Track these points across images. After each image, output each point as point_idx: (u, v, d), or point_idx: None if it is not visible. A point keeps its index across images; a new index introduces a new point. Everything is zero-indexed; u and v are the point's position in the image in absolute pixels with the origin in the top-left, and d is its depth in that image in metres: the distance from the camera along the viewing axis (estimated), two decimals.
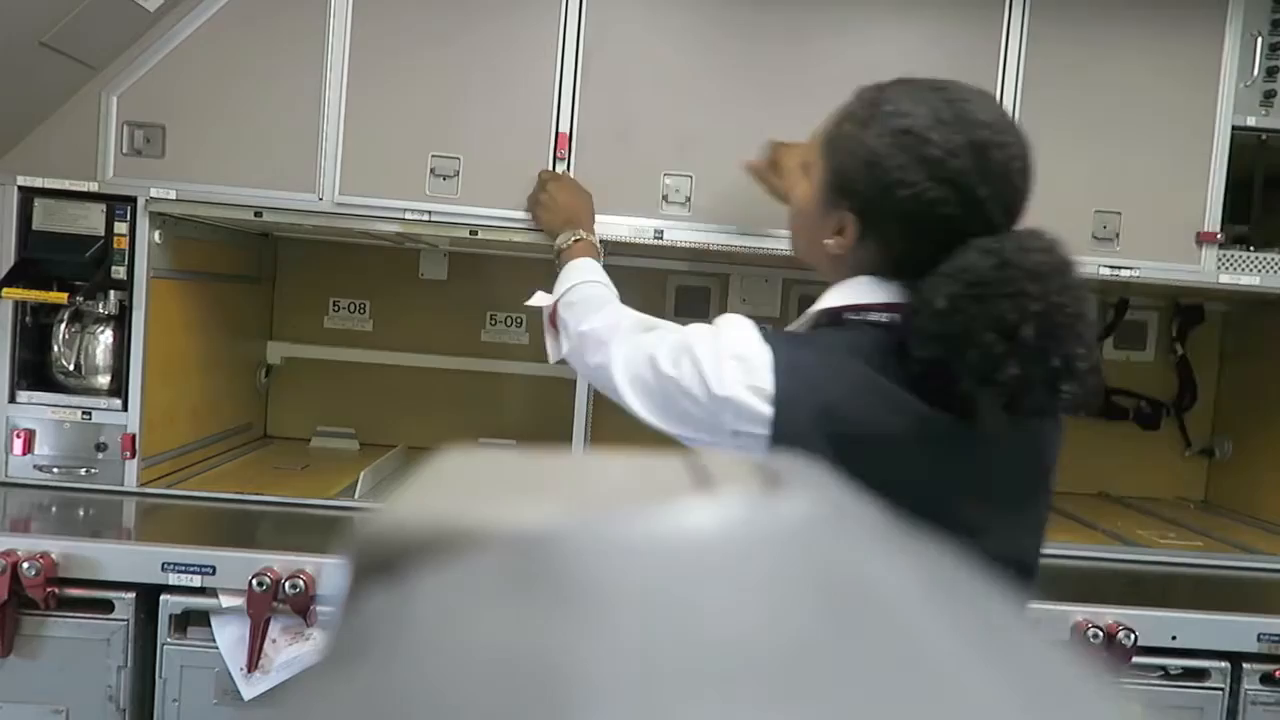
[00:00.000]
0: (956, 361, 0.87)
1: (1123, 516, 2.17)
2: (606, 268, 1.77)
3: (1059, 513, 2.16)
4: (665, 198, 1.74)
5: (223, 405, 2.14)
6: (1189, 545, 1.93)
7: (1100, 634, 1.44)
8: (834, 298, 1.00)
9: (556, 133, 1.75)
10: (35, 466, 1.76)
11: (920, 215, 0.93)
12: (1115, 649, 1.43)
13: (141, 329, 1.75)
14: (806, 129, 1.09)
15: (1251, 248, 1.87)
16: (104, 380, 1.78)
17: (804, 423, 0.90)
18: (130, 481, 1.76)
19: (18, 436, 1.74)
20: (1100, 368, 0.91)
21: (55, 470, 1.76)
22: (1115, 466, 2.45)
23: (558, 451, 0.23)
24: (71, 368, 1.76)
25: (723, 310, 2.30)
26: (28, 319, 1.77)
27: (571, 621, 0.14)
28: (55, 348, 1.76)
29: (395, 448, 2.24)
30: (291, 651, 1.44)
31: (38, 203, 1.73)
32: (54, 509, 1.68)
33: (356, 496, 1.83)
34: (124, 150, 1.73)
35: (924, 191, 0.92)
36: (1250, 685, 1.50)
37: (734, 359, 0.93)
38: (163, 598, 1.45)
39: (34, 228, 1.73)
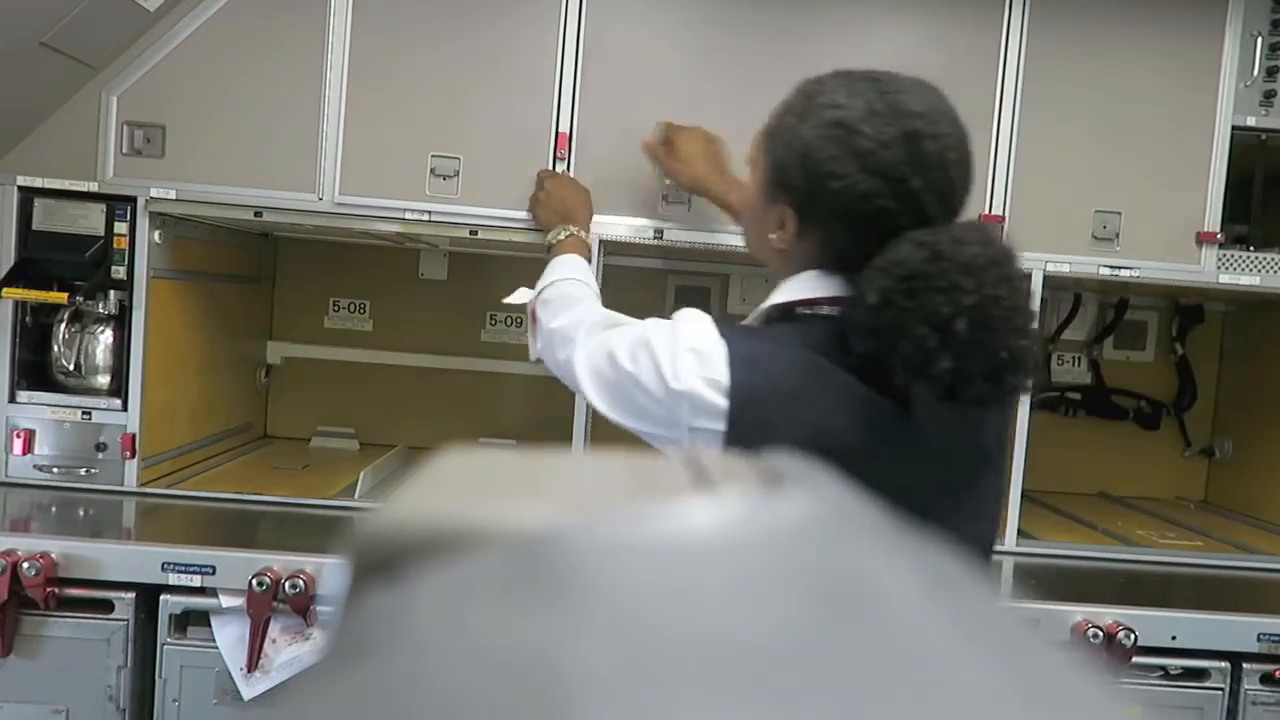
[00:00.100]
0: (891, 355, 0.87)
1: (1123, 516, 2.17)
2: (606, 268, 1.78)
3: (1059, 512, 2.16)
4: (665, 198, 1.75)
5: (222, 405, 2.14)
6: (1189, 545, 1.93)
7: (1100, 634, 1.44)
8: (783, 293, 1.00)
9: (556, 133, 1.75)
10: (35, 466, 1.76)
11: (854, 207, 0.92)
12: (1115, 649, 1.43)
13: (141, 329, 1.75)
14: None
15: (1251, 248, 1.87)
16: (104, 380, 1.78)
17: (760, 415, 0.90)
18: (130, 481, 1.76)
19: (18, 436, 1.74)
20: (1037, 359, 0.90)
21: (55, 470, 1.76)
22: (1115, 466, 2.45)
23: (558, 451, 0.23)
24: (71, 368, 1.76)
25: (723, 310, 2.31)
26: (28, 319, 1.77)
27: (571, 621, 0.14)
28: (55, 348, 1.76)
29: (395, 448, 2.24)
30: (291, 651, 1.44)
31: (38, 203, 1.73)
32: (54, 509, 1.68)
33: (356, 496, 1.83)
34: (124, 150, 1.73)
35: (856, 183, 0.91)
36: (1250, 685, 1.50)
37: (690, 352, 0.93)
38: (163, 598, 1.45)
39: (34, 228, 1.73)
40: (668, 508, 0.17)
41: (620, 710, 0.13)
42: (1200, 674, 1.51)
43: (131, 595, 1.44)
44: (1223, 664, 1.50)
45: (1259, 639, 1.49)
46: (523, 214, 1.73)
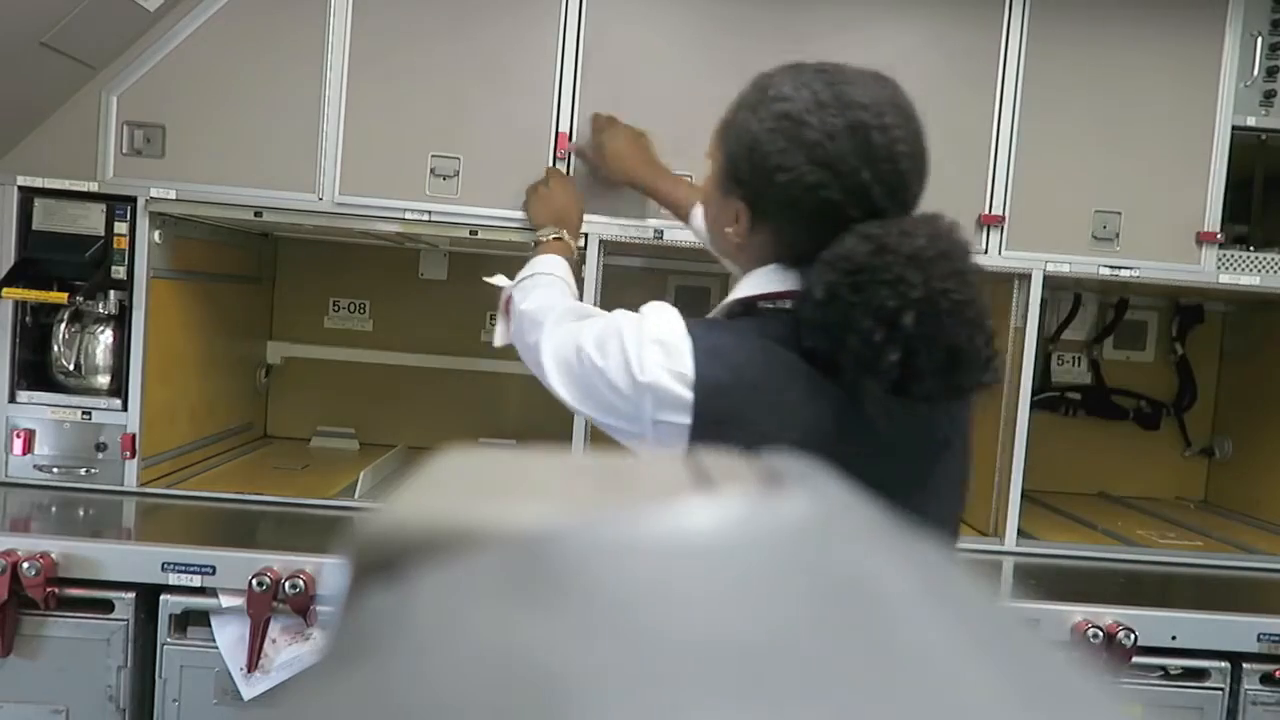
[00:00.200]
0: (840, 350, 0.86)
1: (1123, 516, 2.17)
2: (606, 267, 1.78)
3: (1059, 512, 2.16)
4: None
5: (222, 405, 2.14)
6: (1189, 545, 1.94)
7: (1100, 634, 1.44)
8: (745, 288, 1.00)
9: (556, 133, 1.75)
10: (35, 466, 1.76)
11: (802, 200, 0.92)
12: (1115, 649, 1.43)
13: (141, 329, 1.75)
14: None
15: (1251, 248, 1.87)
16: (104, 380, 1.78)
17: (725, 408, 0.90)
18: (130, 481, 1.76)
19: (18, 436, 1.74)
20: (991, 354, 0.89)
21: (55, 470, 1.76)
22: (1115, 466, 2.45)
23: (558, 451, 0.23)
24: (71, 368, 1.76)
25: None
26: (28, 319, 1.77)
27: (571, 622, 0.14)
28: (55, 348, 1.76)
29: (395, 448, 2.24)
30: (291, 651, 1.44)
31: (38, 203, 1.73)
32: (54, 509, 1.68)
33: (356, 496, 1.83)
34: (124, 150, 1.73)
35: (803, 175, 0.90)
36: (1250, 685, 1.50)
37: (656, 343, 0.92)
38: (163, 598, 1.45)
39: (34, 228, 1.73)
40: (667, 508, 0.17)
41: (620, 710, 0.13)
42: (1200, 674, 1.51)
43: (131, 595, 1.44)
44: (1223, 664, 1.50)
45: (1259, 639, 1.49)
46: (523, 214, 1.73)
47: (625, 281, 2.16)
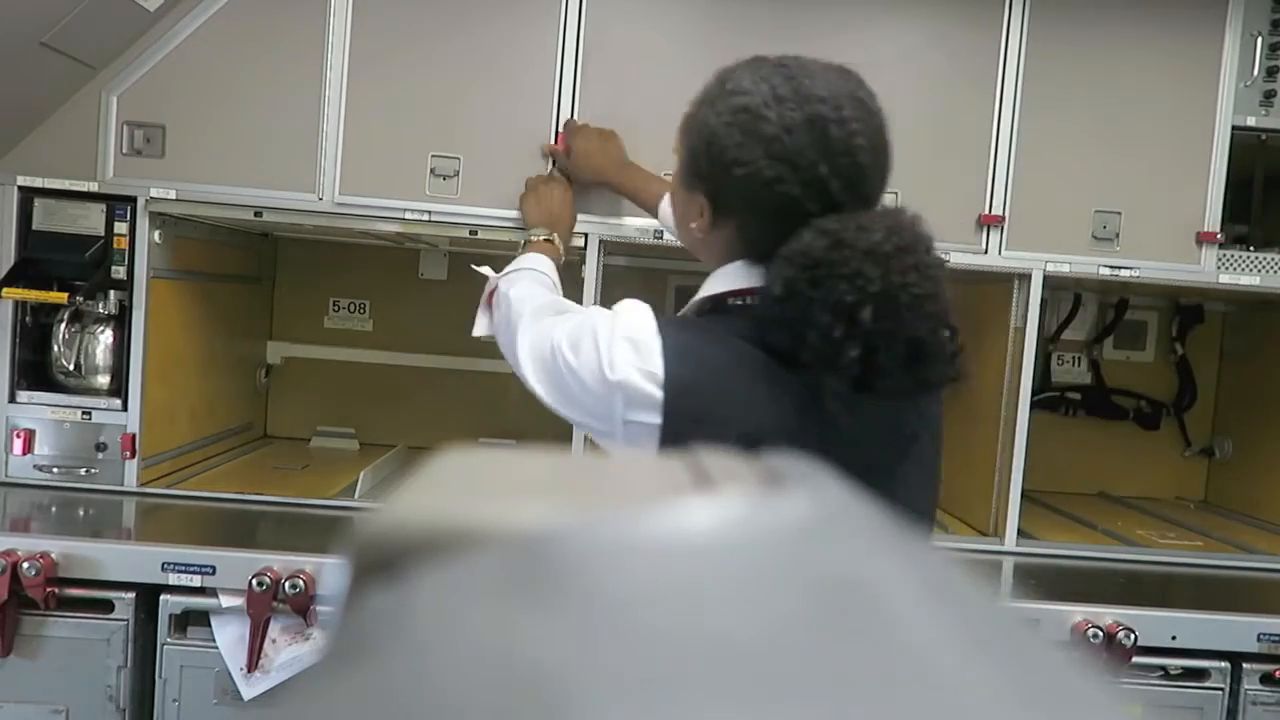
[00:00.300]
0: (800, 346, 0.86)
1: (1123, 516, 2.17)
2: (606, 268, 1.78)
3: (1059, 512, 2.16)
4: None
5: (222, 405, 2.14)
6: (1189, 545, 1.94)
7: (1100, 634, 1.44)
8: (713, 284, 0.99)
9: (556, 132, 1.75)
10: (35, 466, 1.76)
11: (760, 194, 0.91)
12: (1115, 649, 1.43)
13: (141, 329, 1.75)
14: None
15: (1251, 248, 1.87)
16: (104, 380, 1.78)
17: (694, 406, 0.90)
18: (130, 481, 1.76)
19: (18, 436, 1.74)
20: (954, 348, 0.87)
21: (55, 470, 1.76)
22: (1115, 466, 2.45)
23: (557, 451, 0.23)
24: (71, 368, 1.76)
25: None
26: (28, 319, 1.77)
27: (571, 621, 0.14)
28: (55, 348, 1.76)
29: (395, 448, 2.24)
30: (291, 651, 1.44)
31: (38, 203, 1.74)
32: (54, 509, 1.68)
33: (356, 496, 1.83)
34: (124, 150, 1.73)
35: (761, 169, 0.90)
36: (1250, 685, 1.50)
37: (626, 341, 0.92)
38: (163, 598, 1.45)
39: (34, 228, 1.73)
40: (667, 508, 0.17)
41: (620, 710, 0.13)
42: (1200, 674, 1.51)
43: (131, 595, 1.44)
44: (1223, 664, 1.50)
45: (1259, 639, 1.49)
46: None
47: (625, 281, 2.16)
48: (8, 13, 1.48)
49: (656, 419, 0.90)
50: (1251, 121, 1.83)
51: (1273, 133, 1.84)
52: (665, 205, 1.40)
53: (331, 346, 2.38)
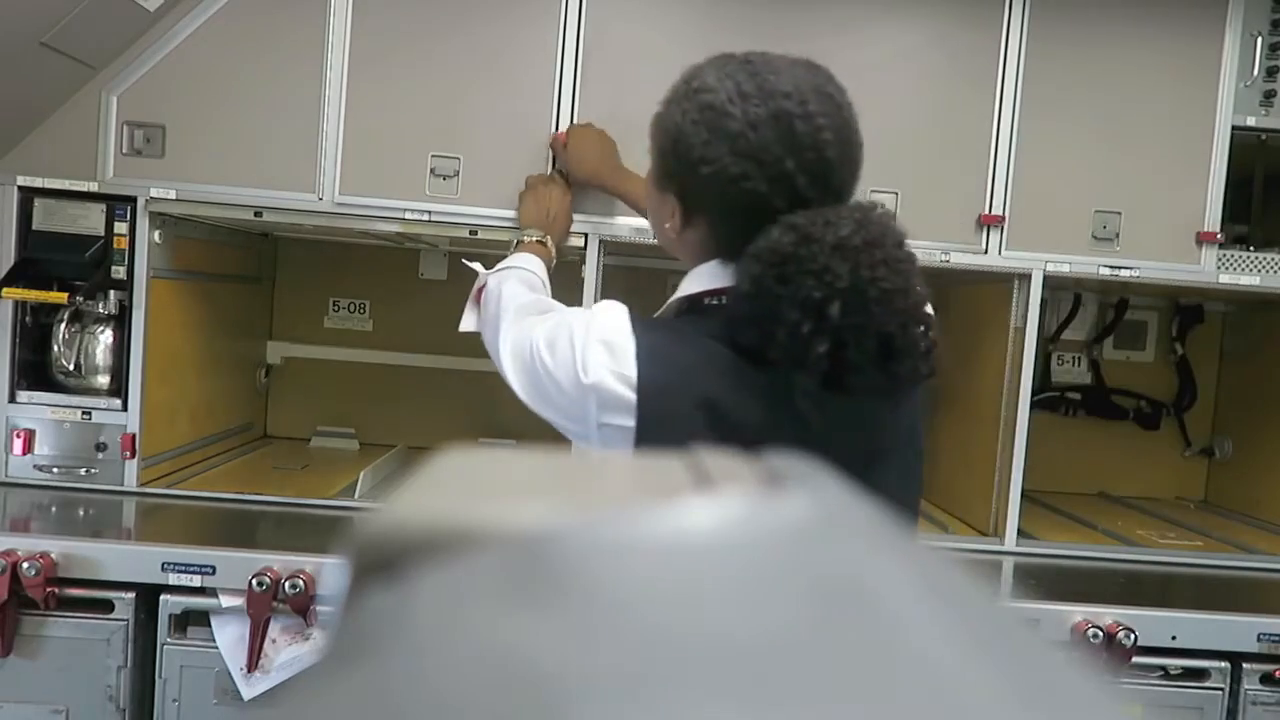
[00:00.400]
0: (769, 343, 0.85)
1: (1123, 516, 2.17)
2: (606, 268, 1.78)
3: (1059, 512, 2.16)
4: None
5: (222, 405, 2.14)
6: (1189, 545, 1.94)
7: (1100, 634, 1.44)
8: (689, 284, 0.99)
9: (556, 133, 1.75)
10: (35, 466, 1.76)
11: (728, 192, 0.90)
12: (1115, 649, 1.43)
13: (141, 329, 1.75)
14: None
15: (1251, 248, 1.87)
16: (104, 380, 1.78)
17: (667, 408, 0.89)
18: (130, 481, 1.76)
19: (18, 436, 1.74)
20: (927, 344, 0.86)
21: (55, 470, 1.76)
22: (1115, 466, 2.45)
23: (557, 451, 0.23)
24: (71, 368, 1.76)
25: None
26: (28, 319, 1.77)
27: (571, 622, 0.14)
28: (55, 348, 1.76)
29: (395, 448, 2.24)
30: (291, 651, 1.44)
31: (38, 203, 1.73)
32: (54, 509, 1.68)
33: (356, 496, 1.83)
34: (124, 150, 1.73)
35: (726, 167, 0.89)
36: (1250, 685, 1.50)
37: (601, 343, 0.91)
38: (163, 598, 1.45)
39: (34, 228, 1.73)
40: (667, 508, 0.17)
41: (619, 710, 0.13)
42: (1200, 674, 1.51)
43: (131, 595, 1.44)
44: (1223, 664, 1.50)
45: (1259, 639, 1.49)
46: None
47: (625, 281, 2.16)
48: (8, 13, 1.48)
49: (630, 421, 0.90)
50: (1251, 121, 1.83)
51: (1273, 133, 1.84)
52: None
53: (331, 346, 2.38)
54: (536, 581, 0.15)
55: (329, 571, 1.42)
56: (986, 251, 1.80)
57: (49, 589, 1.39)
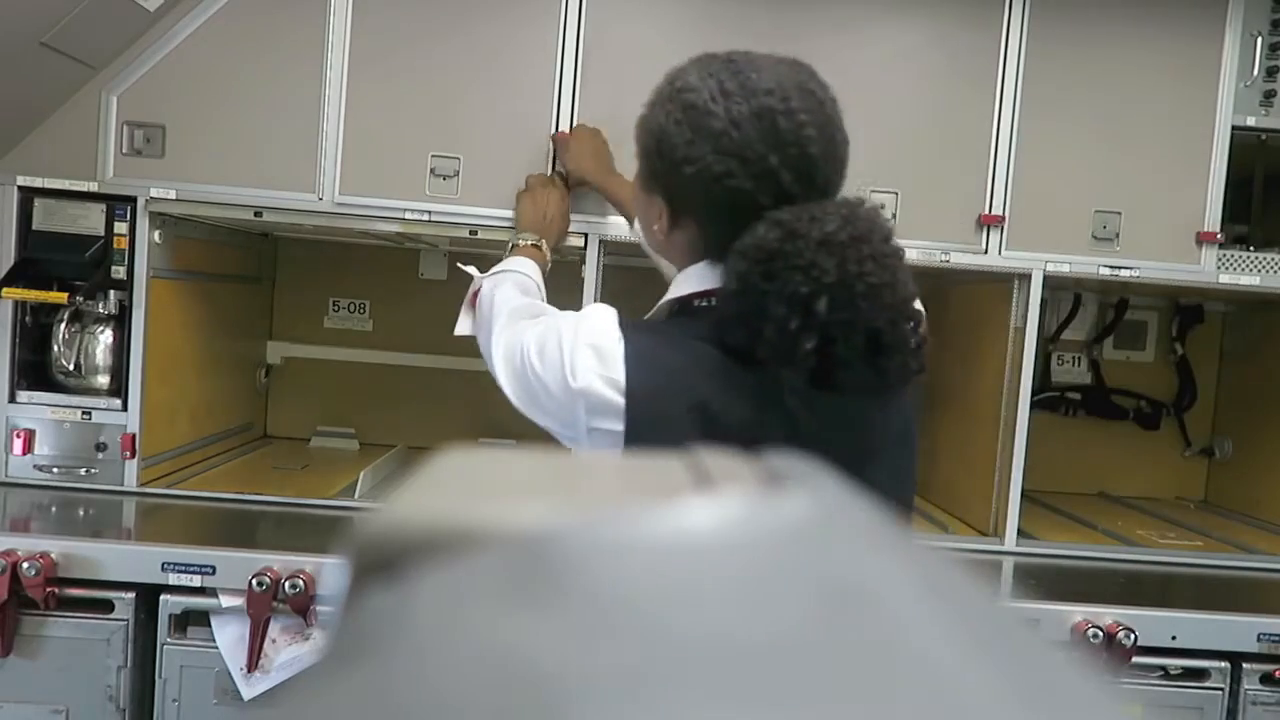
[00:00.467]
0: (757, 341, 0.85)
1: (1123, 516, 2.17)
2: (606, 268, 1.78)
3: (1059, 512, 2.16)
4: None
5: (222, 405, 2.14)
6: (1189, 545, 1.94)
7: (1100, 634, 1.44)
8: (679, 286, 0.98)
9: (556, 132, 1.75)
10: (35, 466, 1.76)
11: (713, 191, 0.90)
12: (1115, 649, 1.43)
13: (141, 329, 1.75)
14: None
15: (1251, 248, 1.87)
16: (104, 380, 1.78)
17: (657, 412, 0.89)
18: (130, 481, 1.76)
19: (18, 436, 1.74)
20: (916, 340, 0.86)
21: (55, 470, 1.76)
22: (1115, 466, 2.45)
23: (557, 451, 0.23)
24: (71, 368, 1.76)
25: None
26: (28, 319, 1.77)
27: (571, 622, 0.14)
28: (55, 348, 1.76)
29: (395, 448, 2.24)
30: (291, 651, 1.44)
31: (38, 203, 1.73)
32: (54, 509, 1.68)
33: (356, 496, 1.83)
34: (124, 150, 1.73)
35: (710, 165, 0.89)
36: (1250, 685, 1.50)
37: (589, 348, 0.91)
38: (163, 598, 1.45)
39: (34, 228, 1.73)
40: (667, 508, 0.17)
41: (620, 710, 0.13)
42: (1200, 674, 1.51)
43: (131, 595, 1.44)
44: (1223, 664, 1.50)
45: (1259, 639, 1.49)
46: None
47: (625, 281, 2.16)
48: (8, 13, 1.48)
49: (619, 426, 0.90)
50: (1251, 121, 1.83)
51: (1273, 133, 1.84)
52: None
53: (331, 346, 2.38)
54: (536, 581, 0.15)
55: (329, 571, 1.42)
56: (986, 251, 1.80)
57: (49, 589, 1.39)
